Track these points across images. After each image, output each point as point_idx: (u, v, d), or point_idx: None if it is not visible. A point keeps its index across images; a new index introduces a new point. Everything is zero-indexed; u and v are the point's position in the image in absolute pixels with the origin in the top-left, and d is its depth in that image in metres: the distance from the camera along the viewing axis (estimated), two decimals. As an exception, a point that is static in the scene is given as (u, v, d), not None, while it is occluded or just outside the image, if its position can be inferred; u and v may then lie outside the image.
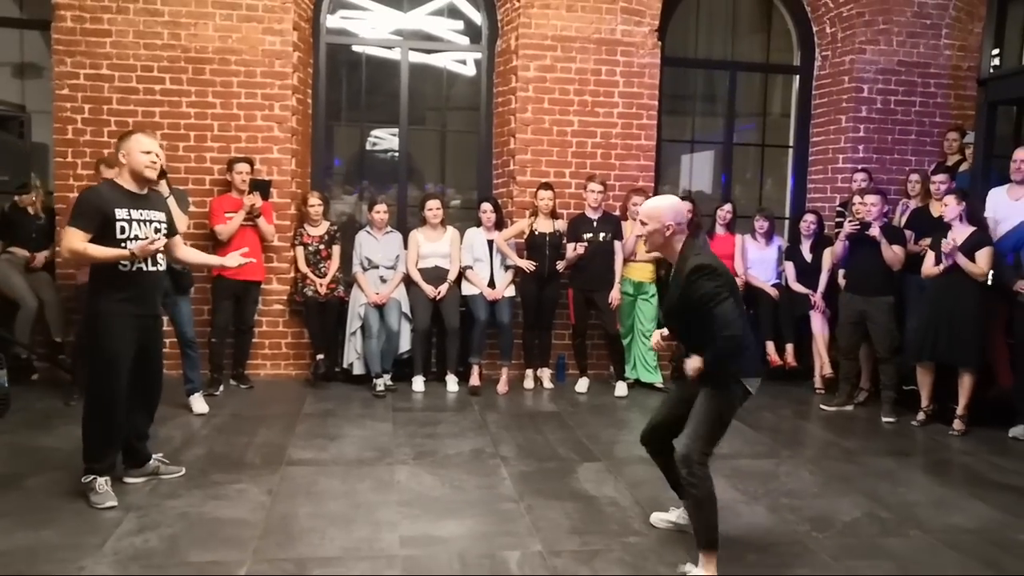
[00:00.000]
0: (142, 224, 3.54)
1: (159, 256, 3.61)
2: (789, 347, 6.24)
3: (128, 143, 3.55)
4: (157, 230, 3.59)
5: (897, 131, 6.84)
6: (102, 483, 3.54)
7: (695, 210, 6.28)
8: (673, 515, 3.44)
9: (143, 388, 3.74)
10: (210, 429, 4.78)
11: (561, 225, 6.06)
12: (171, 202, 5.03)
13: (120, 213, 3.47)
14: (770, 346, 6.26)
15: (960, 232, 5.11)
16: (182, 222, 5.14)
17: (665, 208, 3.04)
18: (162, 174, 5.00)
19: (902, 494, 4.00)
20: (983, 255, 5.02)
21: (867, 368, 5.82)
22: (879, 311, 5.44)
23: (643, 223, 3.10)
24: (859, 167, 6.49)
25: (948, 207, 5.17)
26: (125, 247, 3.45)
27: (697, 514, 2.98)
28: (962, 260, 5.02)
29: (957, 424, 5.11)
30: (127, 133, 3.64)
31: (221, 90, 5.96)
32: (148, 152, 3.54)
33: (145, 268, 3.56)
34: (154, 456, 3.94)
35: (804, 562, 3.16)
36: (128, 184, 3.55)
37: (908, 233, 5.70)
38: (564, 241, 6.01)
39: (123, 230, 3.48)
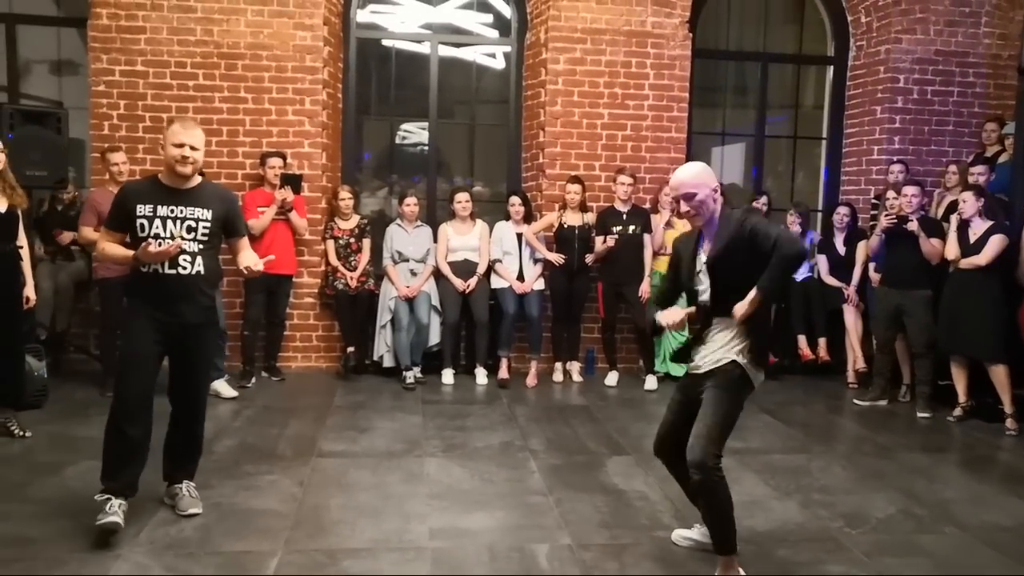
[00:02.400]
0: (170, 222, 3.18)
1: (183, 259, 3.18)
2: (822, 341, 6.16)
3: (165, 133, 3.27)
4: (191, 229, 3.20)
5: (934, 122, 6.71)
6: (115, 506, 3.12)
7: (727, 203, 6.22)
8: (696, 533, 3.18)
9: (178, 403, 3.41)
10: (242, 421, 4.84)
11: (590, 218, 6.04)
12: None
13: (143, 209, 3.17)
14: (802, 340, 6.19)
15: (978, 227, 5.07)
16: None
17: (704, 172, 2.93)
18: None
19: (938, 491, 3.94)
20: (992, 243, 4.97)
21: (907, 363, 5.72)
22: (916, 305, 5.34)
23: (688, 196, 2.89)
24: (895, 159, 6.38)
25: (967, 203, 5.08)
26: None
27: (712, 518, 2.81)
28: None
29: (1010, 423, 4.98)
30: (170, 121, 3.43)
31: (253, 85, 6.01)
32: (180, 145, 3.18)
33: (161, 271, 3.16)
34: (185, 484, 3.48)
35: (837, 559, 3.12)
36: (165, 178, 3.25)
37: (946, 225, 5.59)
38: (593, 234, 5.98)
39: (143, 227, 3.17)
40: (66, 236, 5.74)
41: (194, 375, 3.41)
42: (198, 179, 3.31)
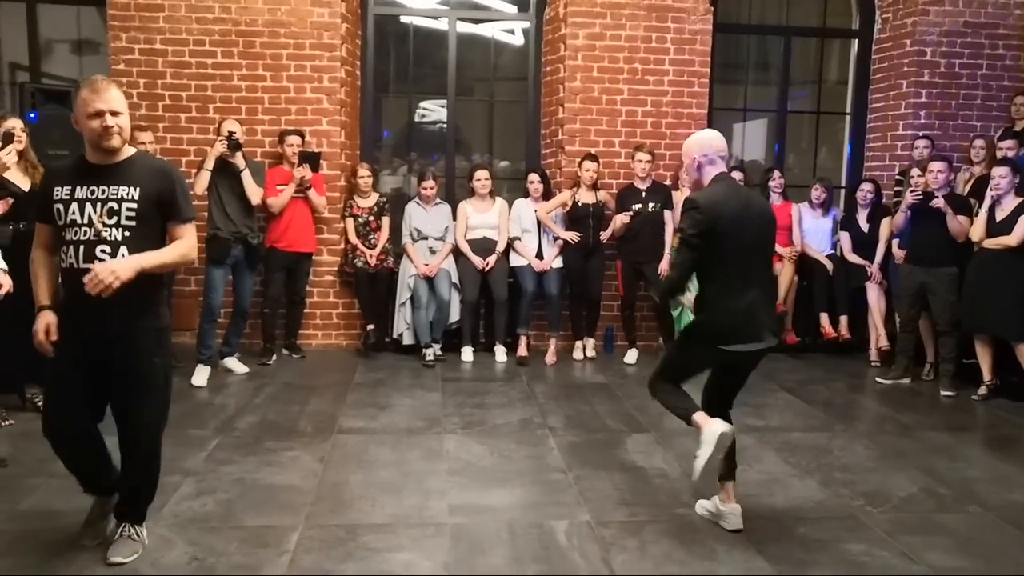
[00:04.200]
0: (88, 205, 2.59)
1: (102, 250, 2.58)
2: (843, 319, 6.10)
3: (76, 103, 2.64)
4: (113, 212, 2.59)
5: (961, 96, 6.58)
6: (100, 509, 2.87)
7: (746, 179, 6.18)
8: (710, 504, 3.23)
9: (121, 439, 2.79)
10: (263, 398, 4.88)
11: (603, 196, 6.00)
12: (246, 175, 5.16)
13: (60, 192, 2.62)
14: (824, 318, 6.14)
15: (1007, 204, 4.99)
16: (256, 195, 5.26)
17: (691, 143, 3.08)
18: (237, 146, 5.13)
19: (961, 469, 3.90)
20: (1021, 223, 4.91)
21: (931, 342, 5.66)
22: (942, 283, 5.26)
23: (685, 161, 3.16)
24: (920, 134, 6.27)
25: (1004, 179, 4.98)
26: (65, 236, 2.61)
27: (672, 411, 3.12)
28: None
29: None
30: (77, 87, 2.68)
31: (271, 63, 6.00)
32: (98, 114, 2.56)
33: (76, 265, 2.58)
34: (125, 526, 2.85)
35: (858, 537, 3.11)
36: (90, 154, 2.67)
37: (973, 202, 5.50)
38: (607, 212, 5.95)
39: (59, 214, 2.61)
40: None
41: (128, 405, 2.73)
42: (130, 151, 2.72)
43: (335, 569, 2.77)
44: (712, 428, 2.91)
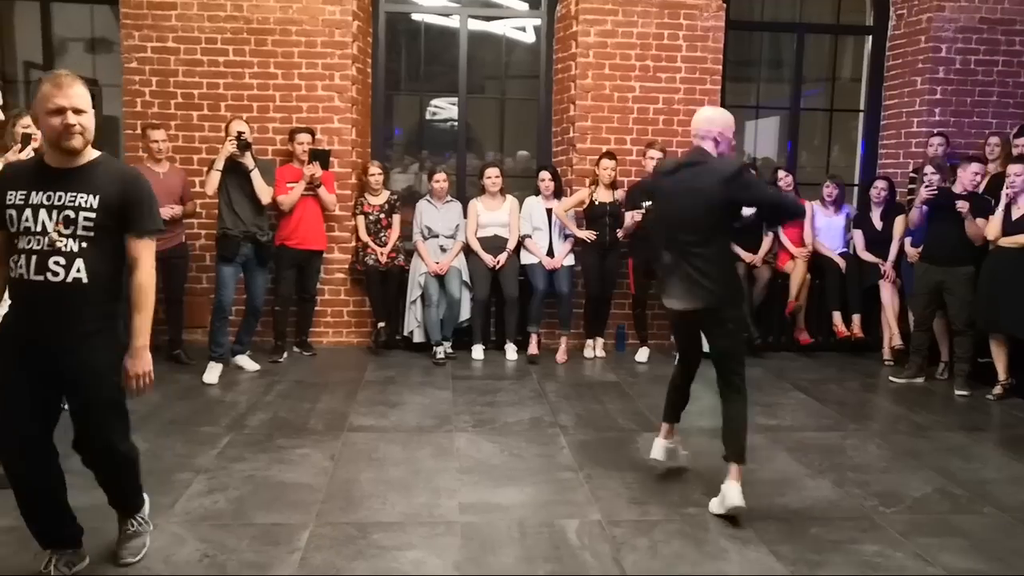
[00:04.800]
0: (44, 212, 2.37)
1: (55, 261, 2.37)
2: (856, 317, 6.06)
3: (36, 99, 2.41)
4: (70, 221, 2.38)
5: (977, 93, 6.51)
6: (55, 562, 2.60)
7: (759, 177, 6.14)
8: (665, 445, 3.68)
9: (85, 455, 2.59)
10: (274, 395, 4.89)
11: (620, 195, 5.98)
12: (255, 175, 5.17)
13: (13, 196, 2.40)
14: (837, 316, 6.10)
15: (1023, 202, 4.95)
16: (266, 194, 5.27)
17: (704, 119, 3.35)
18: (246, 147, 5.14)
19: (975, 470, 3.86)
20: None
21: (945, 341, 5.61)
22: (958, 282, 5.21)
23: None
24: (935, 131, 6.22)
25: (1019, 177, 4.93)
26: (18, 244, 2.39)
27: (741, 432, 3.29)
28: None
29: None
30: (39, 81, 2.44)
31: (283, 61, 6.01)
32: (59, 111, 2.35)
33: (26, 276, 2.38)
34: (131, 521, 2.79)
35: (871, 537, 3.08)
36: (49, 156, 2.46)
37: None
38: (623, 210, 5.93)
39: (12, 220, 2.39)
40: None
41: (85, 421, 2.52)
42: (93, 154, 2.50)
43: (345, 567, 2.77)
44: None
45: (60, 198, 2.38)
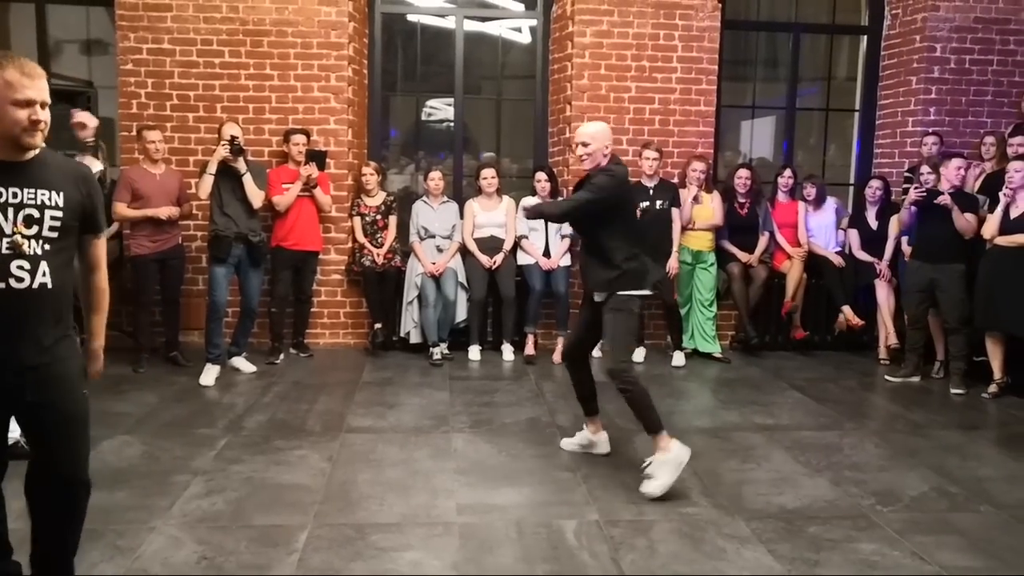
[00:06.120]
0: (4, 211, 2.12)
1: (18, 266, 2.12)
2: (846, 308, 6.06)
3: None
4: (33, 220, 2.15)
5: (972, 92, 6.54)
6: None
7: (754, 177, 6.16)
8: (578, 438, 3.96)
9: (38, 497, 2.32)
10: (272, 396, 4.88)
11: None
12: (247, 179, 5.17)
13: None
14: (847, 311, 6.09)
15: (1022, 202, 4.95)
16: (257, 198, 5.27)
17: (601, 131, 3.62)
18: (240, 151, 5.14)
19: (972, 468, 3.87)
20: None
21: (941, 340, 5.62)
22: (950, 280, 5.24)
23: (584, 144, 3.58)
24: (930, 130, 6.24)
25: (1018, 173, 4.95)
26: None
27: (636, 410, 3.54)
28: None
29: None
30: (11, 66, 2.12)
31: (278, 62, 6.00)
32: (28, 104, 2.11)
33: None
34: None
35: (868, 536, 3.09)
36: None
37: (982, 198, 5.46)
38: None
39: None
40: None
41: (55, 443, 2.25)
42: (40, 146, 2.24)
43: (344, 568, 2.77)
44: None
45: (16, 195, 2.12)
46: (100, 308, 2.45)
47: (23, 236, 2.12)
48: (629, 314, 3.59)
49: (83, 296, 2.43)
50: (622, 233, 3.60)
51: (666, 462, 3.42)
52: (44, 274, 2.16)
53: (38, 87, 2.12)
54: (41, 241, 2.16)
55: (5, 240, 2.11)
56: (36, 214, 2.15)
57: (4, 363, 2.15)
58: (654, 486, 3.38)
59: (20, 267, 2.12)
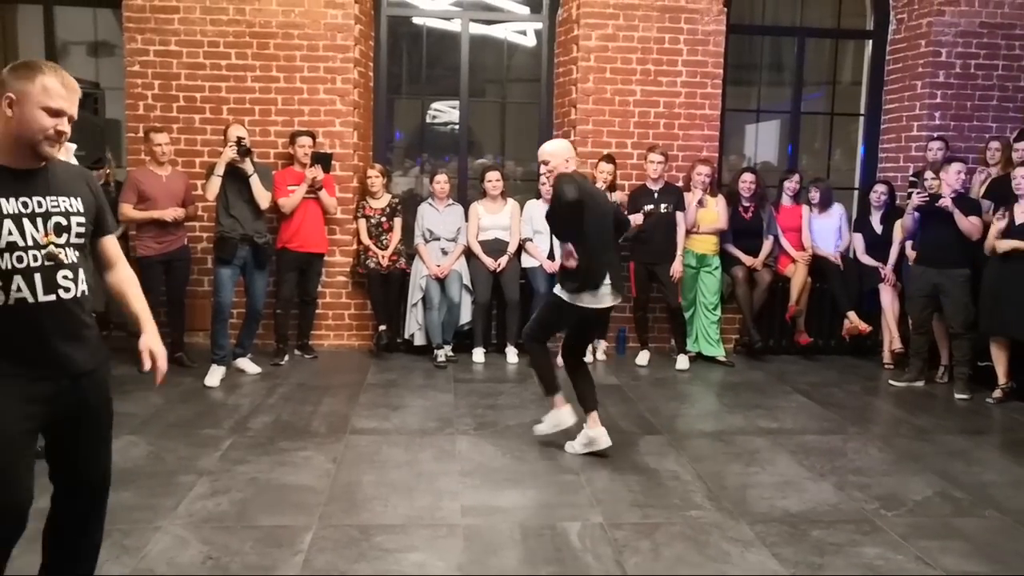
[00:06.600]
0: (28, 222, 2.04)
1: (64, 275, 2.09)
2: (851, 314, 6.05)
3: (22, 84, 2.02)
4: (62, 228, 2.10)
5: (977, 97, 6.53)
6: None
7: (758, 181, 6.17)
8: (547, 424, 4.17)
9: (67, 506, 2.30)
10: (276, 398, 4.89)
11: (620, 197, 5.99)
12: (254, 180, 5.19)
13: None
14: (853, 316, 6.07)
15: None
16: (265, 199, 5.28)
17: (561, 148, 3.94)
18: (247, 152, 5.16)
19: (977, 473, 3.87)
20: None
21: (945, 345, 5.62)
22: (954, 284, 5.24)
23: (545, 162, 3.91)
24: (935, 135, 6.23)
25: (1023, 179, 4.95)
26: (1, 259, 2.00)
27: (536, 373, 4.13)
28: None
29: None
30: (18, 67, 2.07)
31: (285, 64, 6.02)
32: (58, 113, 2.05)
33: (33, 299, 2.04)
34: None
35: (872, 540, 3.09)
36: (7, 156, 2.06)
37: (986, 203, 5.46)
38: (624, 214, 5.93)
39: None
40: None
41: (94, 448, 2.28)
42: None
43: (348, 569, 2.78)
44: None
45: (40, 204, 2.07)
46: (140, 293, 2.39)
47: (56, 246, 2.08)
48: (559, 308, 3.95)
49: (119, 294, 2.37)
50: (584, 244, 3.84)
51: (551, 416, 4.11)
52: (83, 281, 2.15)
53: (72, 100, 2.10)
54: (71, 248, 2.13)
55: (41, 252, 2.06)
56: (64, 222, 2.11)
57: (62, 373, 2.11)
58: (538, 428, 4.17)
59: (65, 277, 2.10)
